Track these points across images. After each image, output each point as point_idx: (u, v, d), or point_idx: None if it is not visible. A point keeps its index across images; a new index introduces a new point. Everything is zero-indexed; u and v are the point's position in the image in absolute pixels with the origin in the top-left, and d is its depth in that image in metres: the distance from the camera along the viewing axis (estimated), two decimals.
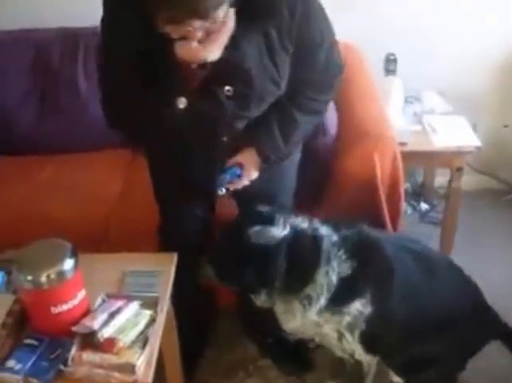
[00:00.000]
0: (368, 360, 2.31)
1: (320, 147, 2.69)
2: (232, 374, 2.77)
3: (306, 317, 2.20)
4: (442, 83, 3.55)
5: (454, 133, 3.21)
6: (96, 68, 2.02)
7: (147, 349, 1.85)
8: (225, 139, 2.10)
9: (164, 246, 2.48)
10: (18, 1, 3.41)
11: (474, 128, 3.29)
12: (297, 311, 2.21)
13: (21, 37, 3.32)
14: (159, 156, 2.35)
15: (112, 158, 3.19)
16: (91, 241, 2.49)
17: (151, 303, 2.00)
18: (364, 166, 2.57)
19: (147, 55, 1.78)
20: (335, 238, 2.17)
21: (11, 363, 1.81)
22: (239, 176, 2.16)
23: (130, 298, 1.98)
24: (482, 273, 2.43)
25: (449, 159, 3.17)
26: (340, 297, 2.15)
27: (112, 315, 1.89)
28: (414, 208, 3.83)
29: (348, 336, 2.21)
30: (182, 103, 1.83)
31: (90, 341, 1.84)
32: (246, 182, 2.20)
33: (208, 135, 2.06)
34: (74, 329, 1.86)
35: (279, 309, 2.27)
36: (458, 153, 3.14)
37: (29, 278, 1.81)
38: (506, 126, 3.73)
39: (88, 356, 1.80)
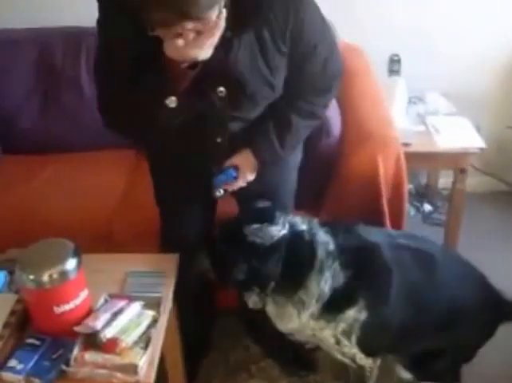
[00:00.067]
0: (369, 364, 2.30)
1: (324, 147, 2.68)
2: (235, 375, 2.77)
3: (301, 321, 2.19)
4: (445, 84, 3.55)
5: (458, 134, 3.21)
6: (93, 68, 2.02)
7: (150, 349, 1.85)
8: (219, 140, 2.08)
9: (165, 246, 2.48)
10: (22, 1, 3.41)
11: (478, 129, 3.29)
12: (291, 314, 2.20)
13: (25, 37, 3.32)
14: (157, 157, 2.36)
15: (115, 158, 3.19)
16: (94, 241, 2.49)
17: (153, 304, 2.00)
18: (368, 167, 2.56)
19: (139, 56, 1.78)
20: (331, 247, 2.15)
21: (13, 363, 1.81)
22: (235, 178, 2.16)
23: (132, 299, 1.98)
24: (486, 274, 2.42)
25: (453, 160, 3.16)
26: (334, 306, 2.14)
27: (115, 315, 1.89)
28: (417, 209, 3.82)
29: (345, 341, 2.20)
30: (172, 102, 1.82)
31: (92, 341, 1.84)
32: (241, 184, 2.19)
33: (202, 135, 2.06)
34: (76, 329, 1.86)
35: (271, 311, 2.26)
36: (462, 154, 3.14)
37: (32, 277, 1.81)
38: (510, 127, 3.72)
39: (90, 356, 1.80)
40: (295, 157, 2.39)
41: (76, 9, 1.89)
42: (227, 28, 1.72)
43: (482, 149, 3.14)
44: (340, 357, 2.30)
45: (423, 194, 3.91)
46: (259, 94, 1.98)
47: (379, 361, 2.34)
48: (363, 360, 2.27)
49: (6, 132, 3.30)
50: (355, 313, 2.13)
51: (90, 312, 1.93)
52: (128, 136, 2.24)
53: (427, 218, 3.79)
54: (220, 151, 2.12)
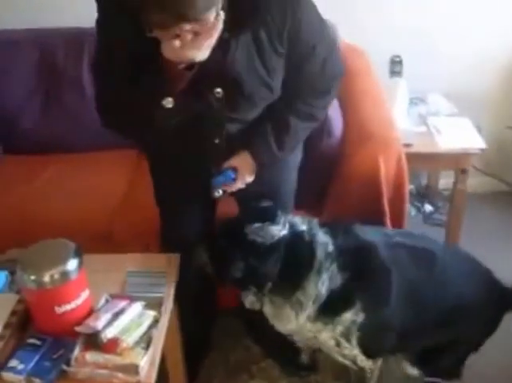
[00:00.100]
0: (370, 365, 2.30)
1: (325, 148, 2.68)
2: (235, 375, 2.77)
3: (299, 322, 2.19)
4: (447, 84, 3.56)
5: (459, 135, 3.21)
6: (91, 68, 2.02)
7: (151, 349, 1.85)
8: (217, 141, 2.08)
9: (165, 246, 2.48)
10: (24, 1, 3.41)
11: (479, 129, 3.29)
12: (289, 315, 2.20)
13: (27, 37, 3.32)
14: (157, 157, 2.37)
15: (116, 158, 3.19)
16: (95, 241, 2.49)
17: (154, 304, 2.00)
18: (369, 167, 2.57)
19: (137, 56, 1.78)
20: (330, 247, 2.15)
21: (14, 363, 1.81)
22: (234, 179, 2.15)
23: (133, 299, 1.98)
24: None
25: (453, 160, 3.17)
26: (330, 308, 2.14)
27: (116, 315, 1.89)
28: (418, 210, 3.82)
29: (344, 343, 2.20)
30: (169, 103, 1.83)
31: (93, 341, 1.84)
32: (240, 185, 2.19)
33: (199, 136, 2.06)
34: (77, 329, 1.86)
35: (268, 311, 2.26)
36: (463, 155, 3.14)
37: (33, 277, 1.81)
38: (510, 127, 3.72)
39: (91, 356, 1.80)
40: (295, 157, 2.39)
41: (77, 10, 1.89)
42: (225, 29, 1.72)
43: (482, 150, 3.14)
44: (340, 359, 2.30)
45: (423, 194, 3.91)
46: (257, 95, 1.98)
47: (379, 363, 2.34)
48: (363, 361, 2.27)
49: (8, 132, 3.30)
50: (352, 316, 2.13)
51: (91, 312, 1.93)
52: (126, 135, 2.24)
53: (427, 218, 3.79)
54: (218, 152, 2.12)
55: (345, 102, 2.90)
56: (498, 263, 2.51)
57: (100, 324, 1.85)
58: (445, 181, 3.74)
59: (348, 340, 2.19)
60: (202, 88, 1.88)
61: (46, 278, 1.80)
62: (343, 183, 2.65)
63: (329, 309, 2.14)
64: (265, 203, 2.24)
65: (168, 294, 2.10)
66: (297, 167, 2.42)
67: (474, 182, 3.62)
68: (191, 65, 1.77)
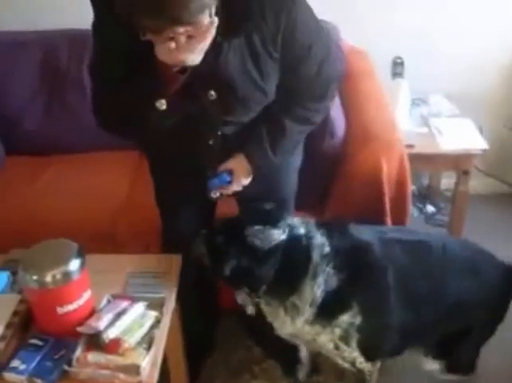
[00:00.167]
0: (368, 367, 2.30)
1: (328, 149, 2.69)
2: (237, 375, 2.77)
3: (295, 326, 2.19)
4: (448, 86, 3.55)
5: (461, 136, 3.21)
6: (88, 70, 2.03)
7: (153, 350, 1.85)
8: (211, 142, 2.08)
9: (165, 246, 2.49)
10: (27, 3, 3.42)
11: (481, 130, 3.29)
12: (284, 321, 2.20)
13: (30, 39, 3.33)
14: (156, 157, 2.37)
15: (119, 159, 3.20)
16: (97, 242, 2.49)
17: (156, 304, 2.00)
18: (371, 167, 2.57)
19: (132, 58, 1.78)
20: (327, 249, 2.14)
21: (16, 363, 1.82)
22: (229, 182, 2.15)
23: (135, 299, 1.98)
24: None
25: (455, 161, 3.17)
26: (327, 311, 2.13)
27: (118, 316, 1.89)
28: (420, 211, 3.82)
29: (343, 346, 2.20)
30: (163, 105, 1.83)
31: (95, 341, 1.85)
32: (236, 188, 2.19)
33: (194, 137, 2.06)
34: (79, 329, 1.87)
35: (266, 311, 2.26)
36: (465, 156, 3.14)
37: (35, 278, 1.81)
38: (510, 128, 3.73)
39: (93, 356, 1.80)
40: (295, 159, 2.38)
41: (78, 11, 1.90)
42: (218, 33, 1.72)
43: (484, 150, 3.14)
44: (340, 361, 2.29)
45: (425, 195, 3.91)
46: (250, 98, 1.98)
47: (378, 365, 2.33)
48: (363, 364, 2.26)
49: (10, 133, 3.30)
50: (349, 318, 2.12)
51: (93, 312, 1.93)
52: (121, 135, 2.24)
53: (429, 219, 3.79)
54: (212, 153, 2.12)
55: (348, 103, 2.90)
56: None
57: (101, 324, 1.85)
58: (447, 182, 3.74)
59: (348, 343, 2.18)
60: (195, 90, 1.88)
61: (48, 278, 1.81)
62: (345, 183, 2.66)
63: (326, 311, 2.14)
64: (268, 206, 2.24)
65: (170, 295, 2.10)
66: (298, 168, 2.42)
67: (476, 183, 3.62)
68: (185, 69, 1.77)
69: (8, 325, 1.90)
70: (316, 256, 2.11)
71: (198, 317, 2.63)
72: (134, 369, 1.77)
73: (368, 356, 2.25)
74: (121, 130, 2.06)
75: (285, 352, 2.72)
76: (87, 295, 1.92)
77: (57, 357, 1.83)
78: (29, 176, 3.11)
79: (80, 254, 1.89)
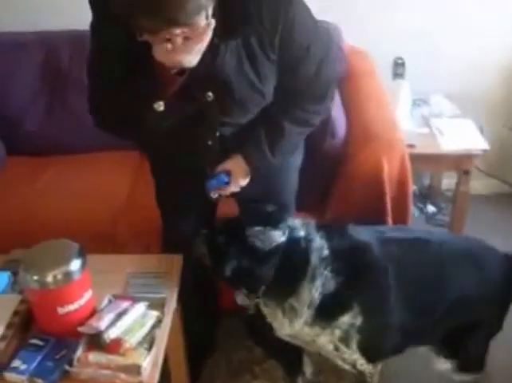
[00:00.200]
0: (369, 369, 2.29)
1: (329, 149, 2.69)
2: (238, 376, 2.77)
3: (294, 328, 2.19)
4: (449, 86, 3.56)
5: (462, 136, 3.22)
6: (86, 70, 2.03)
7: (154, 350, 1.85)
8: (210, 143, 2.08)
9: (165, 246, 2.49)
10: (30, 4, 3.42)
11: (481, 131, 3.29)
12: (282, 323, 2.20)
13: (31, 40, 3.33)
14: (156, 157, 2.37)
15: (119, 159, 3.20)
16: (98, 242, 2.49)
17: (157, 304, 2.00)
18: (372, 167, 2.57)
19: (130, 59, 1.78)
20: (326, 252, 2.13)
21: (16, 363, 1.81)
22: (227, 183, 2.15)
23: (136, 299, 1.98)
24: None
25: (456, 161, 3.17)
26: (326, 312, 2.13)
27: (119, 316, 1.89)
28: (421, 211, 3.82)
29: (343, 348, 2.19)
30: (160, 106, 1.83)
31: (96, 341, 1.84)
32: (234, 189, 2.18)
33: (192, 137, 2.06)
34: (80, 329, 1.86)
35: (265, 312, 2.25)
36: (466, 156, 3.14)
37: (36, 278, 1.81)
38: (510, 128, 3.73)
39: (94, 356, 1.80)
40: (295, 159, 2.38)
41: (83, 13, 1.91)
42: (215, 35, 1.72)
43: (485, 151, 3.14)
44: (340, 362, 2.29)
45: (426, 195, 3.91)
46: (248, 100, 1.98)
47: (379, 367, 2.32)
48: (363, 365, 2.26)
49: (11, 134, 3.31)
50: (350, 319, 2.12)
51: (94, 312, 1.93)
52: (119, 135, 2.24)
53: (430, 219, 3.79)
54: (211, 153, 2.12)
55: (349, 103, 2.91)
56: None
57: (103, 324, 1.85)
58: (448, 182, 3.75)
59: (348, 344, 2.17)
60: (193, 91, 1.88)
61: (49, 279, 1.80)
62: (346, 182, 2.66)
63: (326, 313, 2.13)
64: (270, 208, 2.24)
65: (171, 295, 2.10)
66: (298, 168, 2.42)
67: (477, 183, 3.62)
68: (183, 71, 1.77)
69: (9, 326, 1.90)
70: (314, 259, 2.11)
71: (199, 317, 2.63)
72: (135, 369, 1.77)
73: (369, 357, 2.24)
74: (119, 130, 2.06)
75: (286, 352, 2.72)
76: (88, 295, 1.92)
77: (57, 357, 1.83)
78: (30, 176, 3.11)
79: (81, 254, 1.89)
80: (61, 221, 2.75)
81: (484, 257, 2.35)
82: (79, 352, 1.81)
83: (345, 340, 2.16)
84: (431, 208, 3.85)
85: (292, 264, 2.12)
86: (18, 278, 2.01)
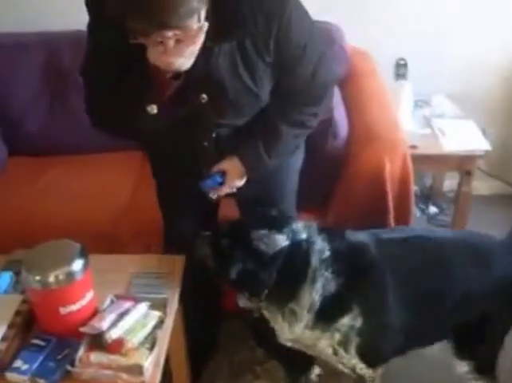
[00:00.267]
0: (369, 374, 2.28)
1: (331, 149, 2.69)
2: (239, 376, 2.77)
3: (294, 333, 2.18)
4: (451, 87, 3.56)
5: (464, 137, 3.22)
6: (81, 70, 2.04)
7: (156, 350, 1.85)
8: (206, 143, 2.08)
9: (167, 247, 2.49)
10: (31, 4, 3.42)
11: (484, 131, 3.29)
12: (282, 327, 2.19)
13: (33, 41, 3.33)
14: (155, 157, 2.38)
15: (121, 160, 3.19)
16: (99, 242, 2.48)
17: (159, 305, 2.00)
18: (374, 167, 2.57)
19: (125, 61, 1.78)
20: (327, 254, 2.13)
21: (18, 363, 1.82)
22: (221, 184, 2.15)
23: (138, 300, 1.98)
24: None
25: (458, 162, 3.17)
26: (327, 315, 2.12)
27: (121, 316, 1.89)
28: (422, 211, 3.82)
29: (342, 352, 2.19)
30: (154, 109, 1.83)
31: (98, 341, 1.85)
32: (227, 190, 2.18)
33: (188, 138, 2.06)
34: (82, 329, 1.86)
35: (267, 316, 2.25)
36: (468, 157, 3.15)
37: (38, 278, 1.81)
38: None
39: (95, 357, 1.80)
40: (295, 160, 2.37)
41: (80, 13, 1.92)
42: (208, 37, 1.72)
43: (487, 151, 3.14)
44: (340, 367, 2.28)
45: (428, 196, 3.91)
46: (243, 102, 1.97)
47: (380, 371, 2.31)
48: (363, 370, 2.25)
49: (13, 135, 3.31)
50: (349, 321, 2.11)
51: (96, 313, 1.93)
52: (117, 135, 2.25)
53: (432, 219, 3.79)
54: (207, 154, 2.12)
55: (351, 104, 2.91)
56: None
57: (104, 324, 1.85)
58: (450, 183, 3.75)
59: (346, 349, 2.16)
60: (188, 94, 1.88)
61: (51, 279, 1.81)
62: (348, 182, 2.66)
63: (326, 315, 2.12)
64: (274, 212, 2.24)
65: (173, 295, 2.10)
66: (298, 169, 2.41)
67: (480, 184, 3.62)
68: (177, 75, 1.78)
69: (10, 326, 1.90)
70: (315, 261, 2.10)
71: (201, 318, 2.63)
72: (137, 369, 1.77)
73: (369, 362, 2.23)
74: (115, 130, 2.07)
75: (291, 353, 2.71)
76: (90, 295, 1.92)
77: (59, 357, 1.83)
78: (32, 177, 3.11)
79: (83, 254, 1.89)
80: (62, 221, 2.75)
81: (490, 250, 2.33)
82: (81, 352, 1.81)
83: (344, 344, 2.15)
84: (432, 209, 3.84)
85: (293, 267, 2.11)
86: (20, 278, 2.01)
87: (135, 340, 1.83)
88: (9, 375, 1.80)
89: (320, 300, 2.10)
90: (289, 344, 2.28)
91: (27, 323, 1.95)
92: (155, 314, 1.94)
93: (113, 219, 2.79)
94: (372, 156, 2.58)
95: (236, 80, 1.90)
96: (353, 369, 2.24)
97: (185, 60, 1.71)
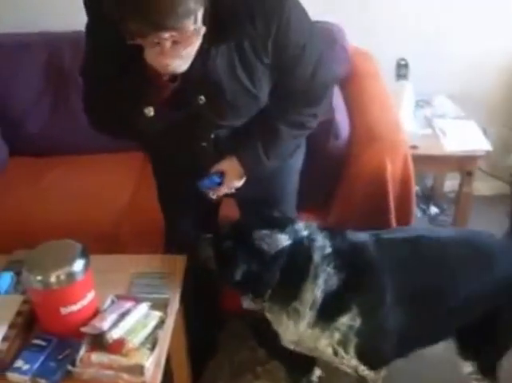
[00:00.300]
0: (371, 376, 2.28)
1: (332, 150, 2.69)
2: (240, 376, 2.77)
3: (298, 331, 2.18)
4: (452, 87, 3.55)
5: (465, 137, 3.22)
6: (79, 70, 2.04)
7: (157, 350, 1.85)
8: (204, 144, 2.08)
9: (167, 247, 2.49)
10: (32, 5, 3.42)
11: (485, 132, 3.29)
12: (287, 325, 2.19)
13: (35, 41, 3.33)
14: (155, 157, 2.38)
15: (123, 160, 3.19)
16: (101, 243, 2.48)
17: (160, 305, 2.00)
18: (375, 167, 2.57)
19: (123, 62, 1.78)
20: (328, 250, 2.13)
21: (19, 363, 1.82)
22: (219, 184, 2.14)
23: (139, 300, 1.98)
24: None
25: (459, 163, 3.17)
26: (327, 313, 2.12)
27: (122, 316, 1.89)
28: (423, 212, 3.82)
29: (342, 352, 2.18)
30: (151, 111, 1.83)
31: (99, 342, 1.85)
32: (226, 190, 2.18)
33: (187, 138, 2.05)
34: (83, 329, 1.87)
35: (269, 318, 2.25)
36: (469, 157, 3.15)
37: (39, 278, 1.82)
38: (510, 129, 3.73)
39: (96, 357, 1.80)
40: (296, 160, 2.37)
41: (83, 14, 1.92)
42: (205, 39, 1.72)
43: (488, 152, 3.14)
44: (343, 367, 2.28)
45: (429, 196, 3.91)
46: (241, 103, 1.97)
47: (382, 373, 2.31)
48: (365, 372, 2.25)
49: (14, 135, 3.31)
50: (348, 321, 2.10)
51: (97, 313, 1.93)
52: (115, 136, 2.25)
53: (433, 220, 3.79)
54: (206, 154, 2.12)
55: (352, 104, 2.91)
56: None
57: (105, 325, 1.85)
58: (450, 183, 3.75)
59: (346, 349, 2.16)
60: (185, 96, 1.87)
61: (52, 279, 1.81)
62: (350, 182, 2.67)
63: (326, 314, 2.12)
64: (276, 213, 2.24)
65: (174, 295, 2.10)
66: (299, 170, 2.41)
67: (481, 185, 3.62)
68: (174, 77, 1.78)
69: (11, 326, 1.91)
70: (317, 257, 2.11)
71: (202, 318, 2.62)
72: (138, 370, 1.77)
73: (370, 364, 2.23)
74: (114, 130, 2.06)
75: (293, 354, 2.71)
76: (91, 296, 1.92)
77: (60, 357, 1.83)
78: (33, 177, 3.11)
79: (85, 254, 1.89)
80: (63, 221, 2.75)
81: (491, 249, 2.32)
82: (82, 352, 1.81)
83: (344, 344, 2.15)
84: (433, 209, 3.84)
85: (296, 265, 2.11)
86: (21, 278, 2.01)
87: (136, 340, 1.83)
88: (11, 375, 1.80)
89: (322, 296, 2.10)
90: (291, 346, 2.28)
91: (28, 323, 1.95)
92: (156, 314, 1.94)
93: (114, 220, 2.80)
94: (374, 157, 2.58)
95: (234, 82, 1.90)
96: (356, 370, 2.24)
97: (181, 62, 1.71)
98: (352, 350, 2.15)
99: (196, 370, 2.61)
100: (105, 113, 1.94)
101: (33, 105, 3.30)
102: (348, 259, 2.14)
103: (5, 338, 1.86)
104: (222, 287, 2.59)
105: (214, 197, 2.19)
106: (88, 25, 1.92)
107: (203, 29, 1.67)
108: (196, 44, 1.70)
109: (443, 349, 2.42)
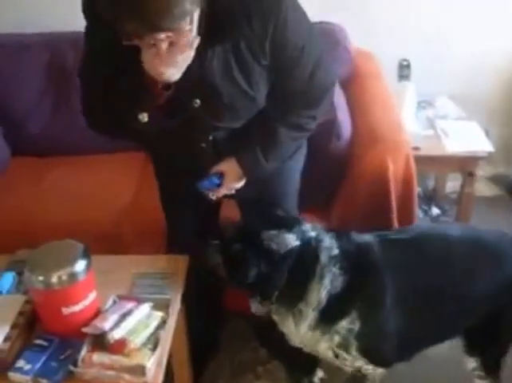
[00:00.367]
0: (377, 374, 2.27)
1: (335, 150, 2.69)
2: (240, 376, 2.77)
3: (299, 332, 2.18)
4: (454, 88, 3.56)
5: (467, 138, 3.22)
6: (78, 72, 2.05)
7: (158, 350, 1.85)
8: (203, 145, 2.09)
9: (169, 247, 2.49)
10: (33, 5, 3.42)
11: (487, 133, 3.29)
12: (290, 325, 2.19)
13: (36, 41, 3.33)
14: (156, 157, 2.39)
15: (125, 160, 3.19)
16: (102, 243, 2.48)
17: (162, 305, 2.00)
18: (378, 167, 2.58)
19: (120, 65, 1.79)
20: (335, 251, 2.13)
21: (21, 363, 1.82)
22: (219, 185, 2.14)
23: (141, 300, 1.98)
24: None
25: (461, 164, 3.17)
26: (329, 315, 2.11)
27: (123, 317, 1.89)
28: (425, 213, 3.82)
29: (343, 354, 2.18)
30: (145, 117, 1.84)
31: (101, 342, 1.85)
32: (225, 191, 2.18)
33: (185, 139, 2.05)
34: (84, 330, 1.87)
35: (276, 320, 2.25)
36: (470, 158, 3.15)
37: (41, 278, 1.82)
38: None
39: (98, 357, 1.80)
40: (297, 161, 2.36)
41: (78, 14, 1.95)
42: (201, 41, 1.71)
43: (490, 153, 3.14)
44: (346, 368, 2.27)
45: (430, 197, 3.90)
46: (238, 105, 1.96)
47: (380, 370, 2.30)
48: (368, 370, 2.25)
49: (16, 135, 3.31)
50: (348, 324, 2.10)
51: (98, 313, 1.93)
52: (113, 136, 2.25)
53: (434, 221, 3.78)
54: (205, 155, 2.12)
55: (354, 105, 2.91)
56: None
57: (107, 325, 1.85)
58: (452, 184, 3.75)
59: (348, 351, 2.16)
60: (180, 102, 1.87)
61: (54, 279, 1.81)
62: (352, 183, 2.67)
63: (327, 316, 2.12)
64: (281, 213, 2.24)
65: (176, 296, 2.10)
66: (300, 170, 2.41)
67: (482, 186, 3.62)
68: (168, 86, 1.78)
69: (13, 326, 1.91)
70: (324, 258, 2.10)
71: (203, 318, 2.63)
72: (139, 370, 1.77)
73: (375, 363, 2.23)
74: (112, 131, 2.06)
75: (297, 355, 2.71)
76: (92, 296, 1.92)
77: (62, 357, 1.83)
78: (35, 177, 3.11)
79: (86, 254, 1.89)
80: (65, 222, 2.75)
81: (499, 248, 2.28)
82: (83, 352, 1.81)
83: (344, 346, 2.15)
84: (435, 210, 3.83)
85: (303, 265, 2.11)
86: (23, 278, 2.02)
87: (137, 340, 1.83)
88: (12, 375, 1.80)
89: (327, 297, 2.10)
90: (299, 347, 2.28)
91: (30, 323, 1.95)
92: (158, 315, 1.94)
93: (116, 220, 2.80)
94: (376, 157, 2.59)
95: (231, 84, 1.89)
96: (359, 370, 2.24)
97: (175, 71, 1.72)
98: (354, 352, 2.15)
99: (197, 370, 2.60)
100: (103, 115, 1.94)
101: (34, 106, 3.30)
102: (354, 260, 2.14)
103: (6, 338, 1.86)
104: (224, 287, 2.60)
105: (213, 198, 2.19)
106: (87, 28, 1.93)
107: (198, 40, 1.67)
108: (192, 50, 1.70)
109: (448, 348, 2.41)
